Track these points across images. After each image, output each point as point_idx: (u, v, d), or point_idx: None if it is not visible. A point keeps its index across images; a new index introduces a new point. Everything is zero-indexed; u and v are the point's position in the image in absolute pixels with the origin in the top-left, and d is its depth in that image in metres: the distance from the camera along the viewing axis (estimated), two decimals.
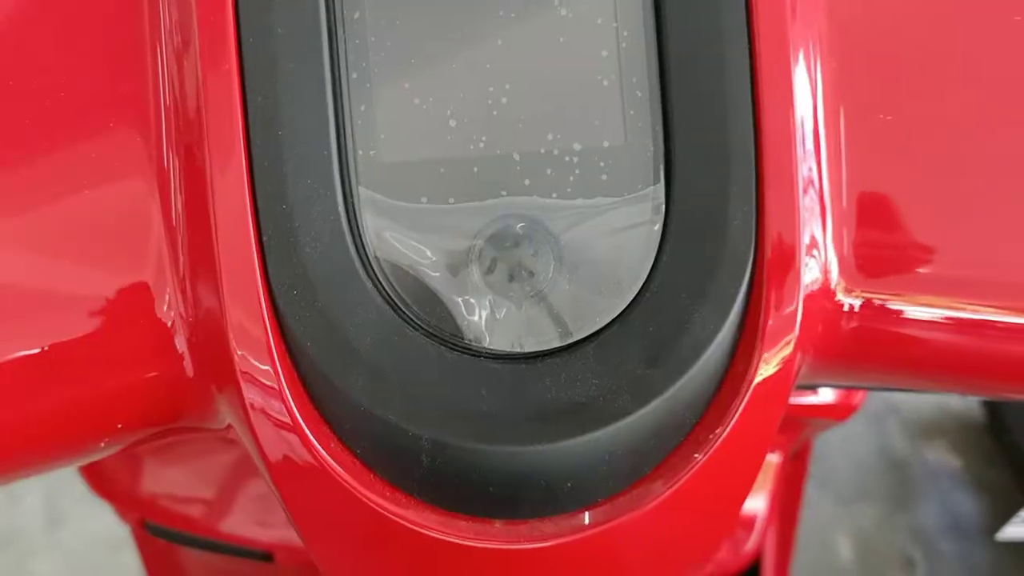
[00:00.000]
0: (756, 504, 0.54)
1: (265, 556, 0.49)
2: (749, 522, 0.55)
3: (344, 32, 0.24)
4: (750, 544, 0.56)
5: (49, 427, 0.25)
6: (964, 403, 1.62)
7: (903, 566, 1.49)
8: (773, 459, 0.54)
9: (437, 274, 0.24)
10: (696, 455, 0.24)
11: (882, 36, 0.26)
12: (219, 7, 0.24)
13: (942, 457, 1.60)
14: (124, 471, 0.49)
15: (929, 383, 0.30)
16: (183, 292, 0.24)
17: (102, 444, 0.26)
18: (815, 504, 1.53)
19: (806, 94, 0.25)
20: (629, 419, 0.24)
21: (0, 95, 0.24)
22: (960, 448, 1.63)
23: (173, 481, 0.49)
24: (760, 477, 0.55)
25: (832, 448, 1.60)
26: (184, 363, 0.25)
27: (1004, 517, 1.54)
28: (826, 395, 0.51)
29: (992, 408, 1.58)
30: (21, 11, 0.25)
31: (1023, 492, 1.57)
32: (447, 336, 0.24)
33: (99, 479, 0.49)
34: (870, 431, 1.62)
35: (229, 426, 0.27)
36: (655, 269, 0.24)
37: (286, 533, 0.47)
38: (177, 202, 0.24)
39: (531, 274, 0.25)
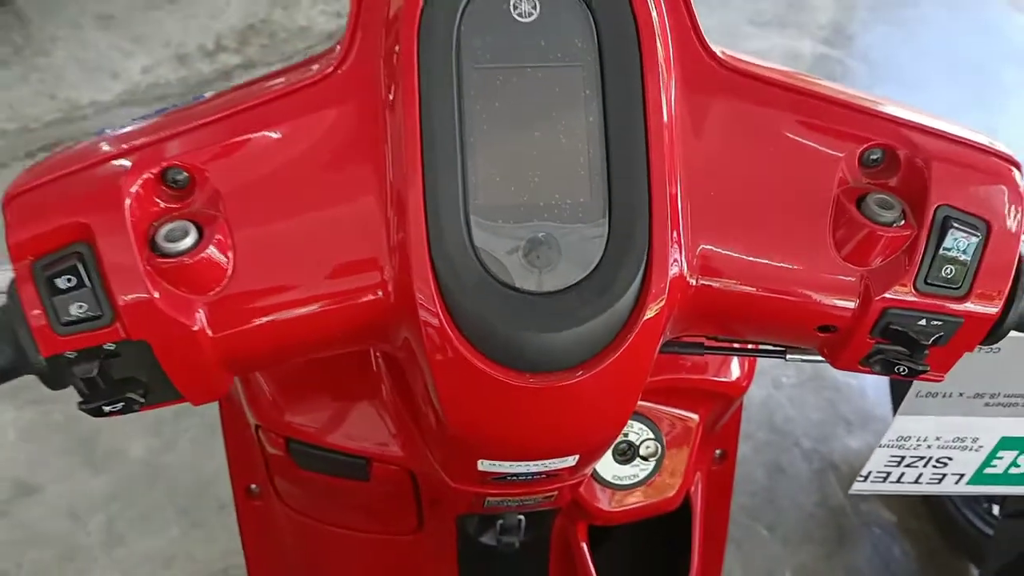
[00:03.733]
0: (681, 453, 0.79)
1: (362, 473, 0.74)
2: (679, 466, 0.80)
3: (464, 139, 0.52)
4: (675, 488, 0.78)
5: (319, 329, 0.52)
6: None
7: None
8: (694, 418, 0.79)
9: (504, 255, 0.52)
10: (628, 337, 0.51)
11: (708, 168, 0.50)
12: (412, 130, 0.51)
13: (875, 509, 1.83)
14: (272, 403, 0.74)
15: (739, 328, 0.57)
16: (392, 264, 0.48)
17: (340, 334, 0.53)
18: (765, 544, 1.76)
19: (673, 192, 0.48)
20: (590, 322, 0.51)
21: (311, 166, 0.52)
22: (890, 502, 1.85)
23: (308, 409, 0.74)
24: (682, 434, 0.81)
25: (781, 497, 1.83)
26: (391, 298, 0.50)
27: (927, 561, 1.77)
28: (723, 375, 0.78)
29: None
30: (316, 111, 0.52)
31: (943, 539, 1.78)
32: (509, 284, 0.51)
33: (258, 408, 0.74)
34: (813, 484, 1.85)
35: (404, 340, 0.50)
36: (602, 258, 0.49)
37: (385, 445, 0.72)
38: (392, 225, 0.51)
39: (547, 258, 0.52)
